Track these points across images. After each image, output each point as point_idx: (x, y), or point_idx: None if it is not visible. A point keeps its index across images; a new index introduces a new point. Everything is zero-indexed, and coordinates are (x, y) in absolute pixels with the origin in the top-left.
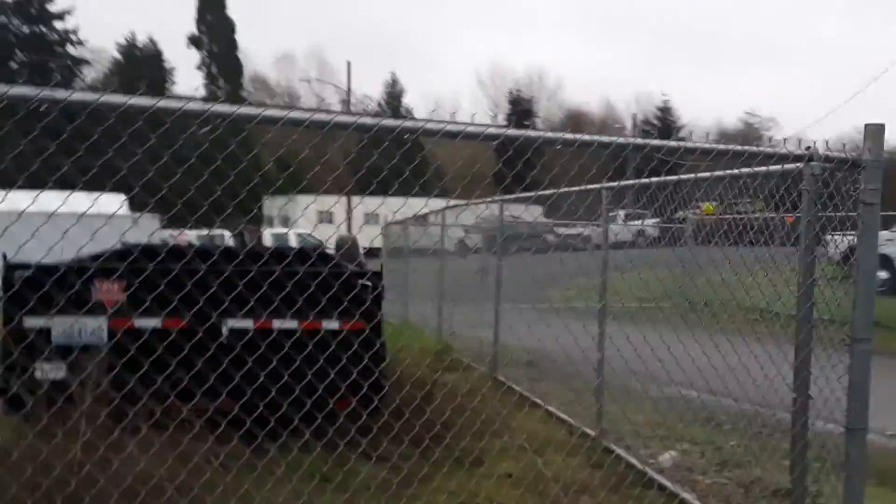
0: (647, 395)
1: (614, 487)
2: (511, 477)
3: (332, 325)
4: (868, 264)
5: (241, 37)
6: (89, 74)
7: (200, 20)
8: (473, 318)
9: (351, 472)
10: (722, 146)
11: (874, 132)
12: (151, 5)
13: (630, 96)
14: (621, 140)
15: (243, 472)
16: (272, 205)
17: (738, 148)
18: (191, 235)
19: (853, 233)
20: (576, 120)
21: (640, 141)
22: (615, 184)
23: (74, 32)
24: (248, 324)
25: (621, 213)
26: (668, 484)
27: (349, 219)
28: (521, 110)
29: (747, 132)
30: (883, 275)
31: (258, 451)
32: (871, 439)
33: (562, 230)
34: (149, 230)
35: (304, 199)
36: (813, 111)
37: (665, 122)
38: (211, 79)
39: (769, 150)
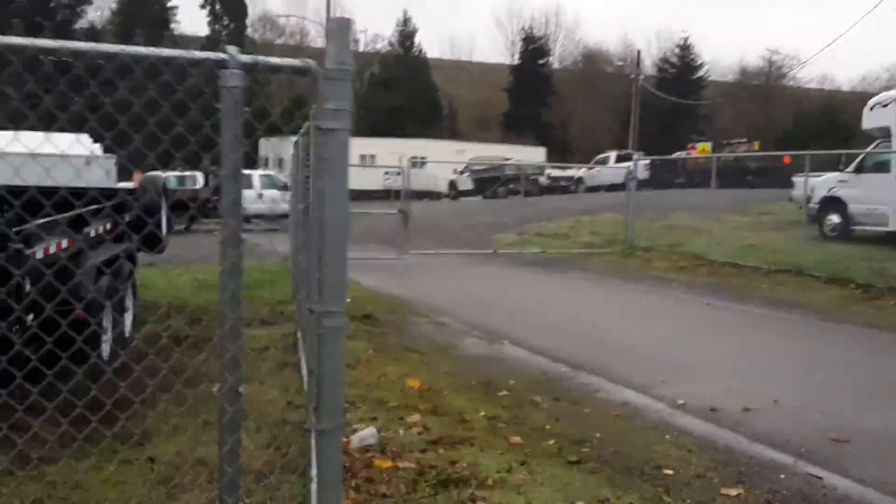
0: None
1: (263, 475)
2: (152, 462)
3: None
4: (336, 212)
5: None
6: (91, 13)
7: None
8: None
9: None
10: (121, 48)
11: (337, 31)
12: None
13: (651, 34)
14: None
15: None
16: (266, 146)
17: (143, 51)
18: (165, 176)
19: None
20: (592, 59)
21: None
22: None
23: None
24: None
25: (612, 154)
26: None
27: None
28: (534, 49)
29: (769, 70)
30: (835, 219)
31: None
32: (654, 408)
33: (555, 172)
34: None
35: (295, 140)
36: (845, 46)
37: (684, 61)
38: (215, 18)
39: (182, 54)
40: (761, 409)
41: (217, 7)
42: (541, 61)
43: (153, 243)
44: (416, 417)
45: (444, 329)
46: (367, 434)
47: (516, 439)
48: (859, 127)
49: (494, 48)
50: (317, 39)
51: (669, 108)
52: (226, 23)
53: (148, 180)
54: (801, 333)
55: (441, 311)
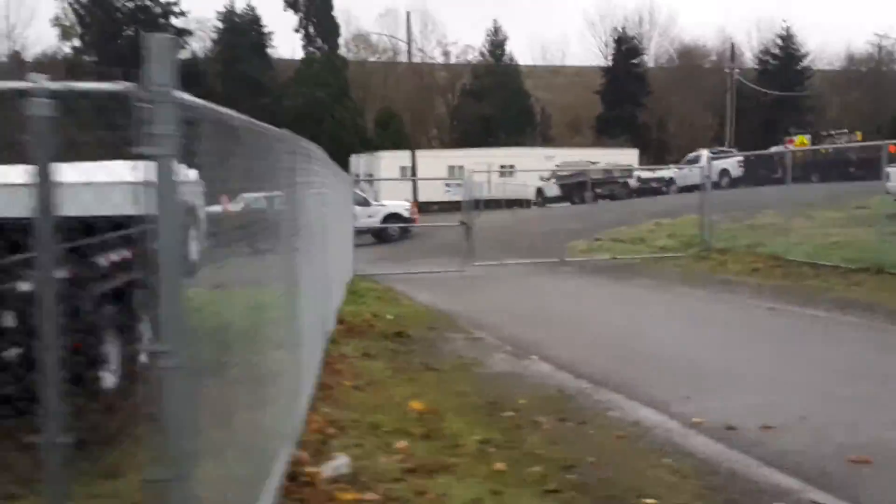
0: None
1: None
2: (118, 497)
3: None
4: (167, 244)
5: None
6: (194, 44)
7: None
8: None
9: None
10: None
11: (158, 50)
12: None
13: (751, 25)
14: None
15: None
16: (358, 162)
17: None
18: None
19: None
20: (688, 55)
21: None
22: None
23: (177, 4)
24: None
25: (704, 152)
26: None
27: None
28: (626, 49)
29: (878, 56)
30: None
31: None
32: (666, 428)
33: (644, 174)
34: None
35: (385, 155)
36: None
37: (786, 51)
38: (308, 40)
39: None
40: (784, 427)
41: (310, 30)
42: (634, 61)
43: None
44: (403, 443)
45: (477, 345)
46: (340, 463)
47: (500, 465)
48: None
49: (587, 51)
50: (405, 55)
51: (772, 101)
52: (319, 44)
53: None
54: (862, 340)
55: (482, 326)
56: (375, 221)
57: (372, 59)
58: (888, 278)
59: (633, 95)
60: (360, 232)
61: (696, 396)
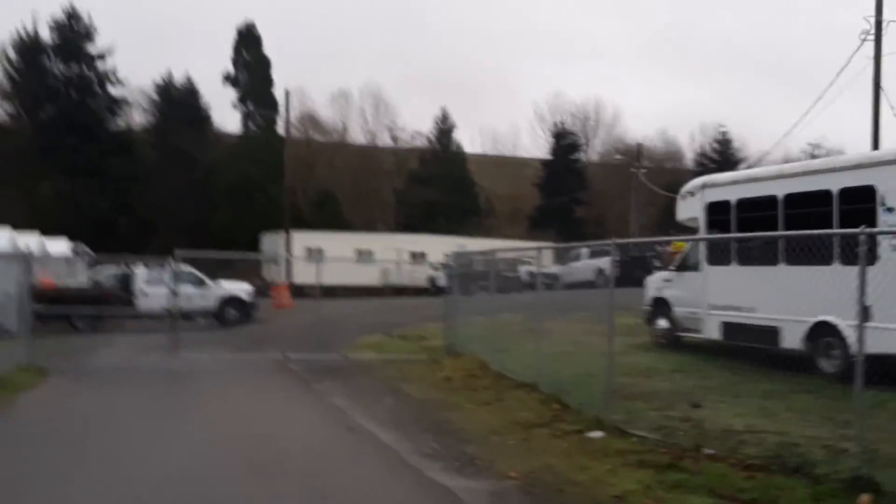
0: None
1: None
2: None
3: None
4: None
5: (301, 76)
6: (135, 115)
7: (236, 58)
8: None
9: None
10: None
11: None
12: (189, 44)
13: (695, 128)
14: None
15: None
16: (269, 240)
17: None
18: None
19: None
20: (629, 154)
21: None
22: None
23: (114, 72)
24: None
25: (585, 250)
26: None
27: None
28: (566, 144)
29: None
30: (662, 323)
31: None
32: None
33: (534, 269)
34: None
35: (297, 235)
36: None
37: (723, 155)
38: (247, 116)
39: None
40: None
41: (249, 106)
42: (573, 156)
43: None
44: None
45: None
46: None
47: None
48: None
49: (536, 143)
50: (359, 136)
51: None
52: (258, 120)
53: None
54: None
55: None
56: (209, 304)
57: (320, 138)
58: (533, 395)
59: (570, 189)
60: (199, 314)
61: None
